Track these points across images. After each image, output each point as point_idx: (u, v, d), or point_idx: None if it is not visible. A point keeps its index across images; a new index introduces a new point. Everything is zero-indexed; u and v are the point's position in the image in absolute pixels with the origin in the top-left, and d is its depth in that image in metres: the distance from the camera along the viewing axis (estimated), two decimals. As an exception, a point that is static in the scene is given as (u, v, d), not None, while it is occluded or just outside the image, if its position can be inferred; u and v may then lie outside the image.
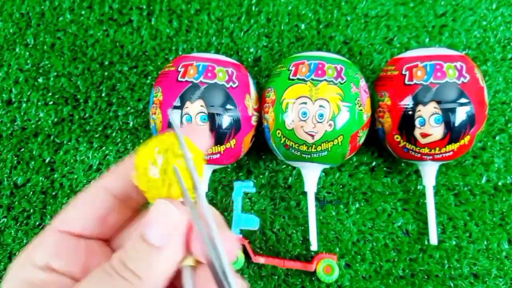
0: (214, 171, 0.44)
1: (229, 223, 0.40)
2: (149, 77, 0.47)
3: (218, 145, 0.37)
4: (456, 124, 0.36)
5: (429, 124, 0.36)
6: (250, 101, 0.39)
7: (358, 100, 0.37)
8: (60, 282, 0.19)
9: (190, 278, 0.18)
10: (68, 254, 0.20)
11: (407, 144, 0.38)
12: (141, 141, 0.45)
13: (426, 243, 0.42)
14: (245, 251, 0.42)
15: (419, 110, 0.36)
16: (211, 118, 0.36)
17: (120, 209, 0.21)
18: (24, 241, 0.44)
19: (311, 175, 0.40)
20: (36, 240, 0.20)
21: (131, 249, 0.18)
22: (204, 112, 0.36)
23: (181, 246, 0.18)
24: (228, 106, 0.37)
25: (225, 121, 0.37)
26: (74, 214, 0.20)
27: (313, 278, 0.42)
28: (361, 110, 0.37)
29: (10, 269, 0.19)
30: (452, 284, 0.41)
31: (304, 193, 0.43)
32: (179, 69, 0.38)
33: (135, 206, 0.22)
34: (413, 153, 0.38)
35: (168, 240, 0.18)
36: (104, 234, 0.21)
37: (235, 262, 0.41)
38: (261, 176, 0.44)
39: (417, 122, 0.37)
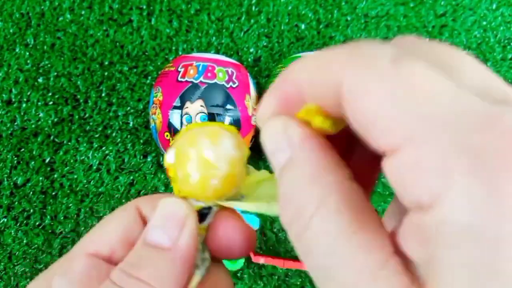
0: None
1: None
2: (149, 77, 0.47)
3: (218, 145, 0.37)
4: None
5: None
6: (250, 101, 0.39)
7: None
8: None
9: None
10: (96, 284, 0.17)
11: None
12: (141, 141, 0.45)
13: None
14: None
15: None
16: (211, 118, 0.36)
17: None
18: (24, 241, 0.44)
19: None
20: (62, 263, 0.17)
21: (134, 257, 0.16)
22: (204, 112, 0.36)
23: (192, 243, 0.16)
24: (228, 106, 0.37)
25: (225, 121, 0.37)
26: (103, 234, 0.18)
27: (313, 278, 0.42)
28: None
29: None
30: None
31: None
32: (179, 69, 0.38)
33: None
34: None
35: (176, 238, 0.16)
36: None
37: (234, 262, 0.41)
38: (261, 176, 0.44)
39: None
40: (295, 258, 0.42)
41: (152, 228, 0.16)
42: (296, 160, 0.13)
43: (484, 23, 0.47)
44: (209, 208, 0.17)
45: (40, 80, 0.47)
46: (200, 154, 0.16)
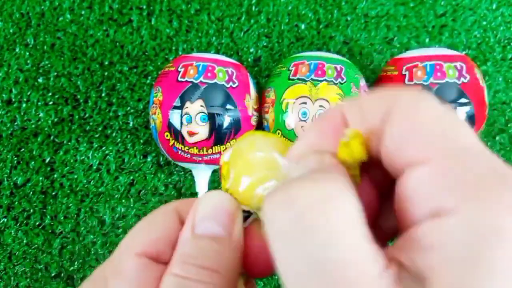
0: (214, 171, 0.44)
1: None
2: (149, 77, 0.47)
3: (218, 145, 0.37)
4: (456, 124, 0.36)
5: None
6: (250, 101, 0.39)
7: (358, 100, 0.37)
8: None
9: None
10: (149, 284, 0.16)
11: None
12: (141, 141, 0.45)
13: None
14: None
15: (419, 110, 0.36)
16: (211, 118, 0.36)
17: None
18: (24, 241, 0.44)
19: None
20: (111, 264, 0.17)
21: (188, 248, 0.15)
22: (204, 112, 0.36)
23: (242, 237, 0.16)
24: (228, 106, 0.37)
25: (225, 121, 0.37)
26: (148, 234, 0.17)
27: (313, 278, 0.41)
28: (361, 110, 0.37)
29: None
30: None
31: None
32: (179, 69, 0.38)
33: None
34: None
35: (231, 228, 0.16)
36: None
37: None
38: (261, 176, 0.44)
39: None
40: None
41: (203, 219, 0.16)
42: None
43: (484, 23, 0.47)
44: (249, 213, 0.17)
45: (40, 80, 0.47)
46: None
